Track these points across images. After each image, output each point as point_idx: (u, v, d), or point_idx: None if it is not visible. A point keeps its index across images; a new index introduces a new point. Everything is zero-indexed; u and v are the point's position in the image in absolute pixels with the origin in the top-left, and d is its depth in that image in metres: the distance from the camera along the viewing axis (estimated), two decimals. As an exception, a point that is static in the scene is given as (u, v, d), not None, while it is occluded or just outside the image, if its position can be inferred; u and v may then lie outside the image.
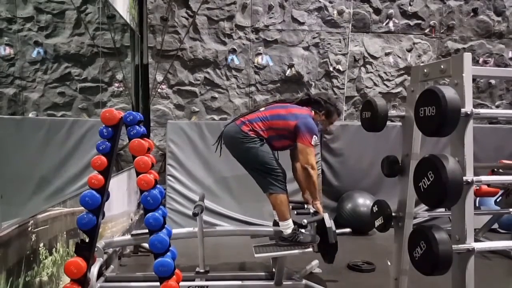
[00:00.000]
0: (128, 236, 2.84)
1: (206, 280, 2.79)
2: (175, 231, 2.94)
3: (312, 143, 2.66)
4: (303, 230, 2.69)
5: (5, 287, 1.74)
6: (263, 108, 2.84)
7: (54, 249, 2.26)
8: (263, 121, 2.72)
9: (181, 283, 2.09)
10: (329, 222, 2.70)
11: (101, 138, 2.09)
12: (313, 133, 2.67)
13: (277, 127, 2.71)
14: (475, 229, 2.21)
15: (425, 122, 1.42)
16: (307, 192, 2.92)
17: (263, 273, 2.97)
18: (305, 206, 2.95)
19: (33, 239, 2.00)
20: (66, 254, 2.42)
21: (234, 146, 2.76)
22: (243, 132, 2.68)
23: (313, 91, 4.92)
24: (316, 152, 4.51)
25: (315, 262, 3.25)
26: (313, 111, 2.83)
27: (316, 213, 2.80)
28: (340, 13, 4.85)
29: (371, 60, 5.00)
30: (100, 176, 2.04)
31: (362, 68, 5.01)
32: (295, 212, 2.82)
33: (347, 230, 3.05)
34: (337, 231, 2.74)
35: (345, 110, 5.05)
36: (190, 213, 4.15)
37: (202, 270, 2.75)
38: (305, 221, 2.64)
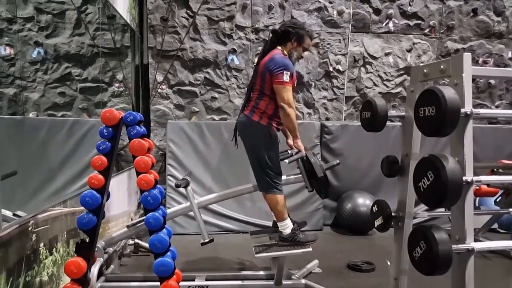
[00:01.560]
0: (125, 229, 2.82)
1: (206, 279, 2.79)
2: (170, 210, 2.95)
3: (284, 79, 2.60)
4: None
5: (6, 287, 1.75)
6: (252, 93, 2.81)
7: (54, 249, 2.26)
8: (263, 97, 2.71)
9: (181, 283, 2.09)
10: (313, 158, 2.71)
11: (102, 138, 2.09)
12: (284, 69, 2.60)
13: (271, 90, 2.68)
14: (475, 229, 2.21)
15: (425, 122, 1.42)
16: (290, 136, 2.87)
17: (263, 273, 2.97)
18: (289, 151, 2.90)
19: (33, 239, 2.00)
20: (67, 254, 2.42)
21: (246, 138, 2.77)
22: (255, 122, 2.69)
23: (313, 91, 4.93)
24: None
25: (315, 262, 3.25)
26: (281, 47, 2.77)
27: (298, 152, 2.76)
28: (340, 13, 4.86)
29: (371, 60, 5.01)
30: (101, 176, 2.04)
31: (362, 68, 5.02)
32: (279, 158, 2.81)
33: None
34: (325, 165, 2.76)
35: (345, 110, 5.05)
36: (190, 213, 4.17)
37: (206, 240, 2.73)
38: (287, 161, 2.61)
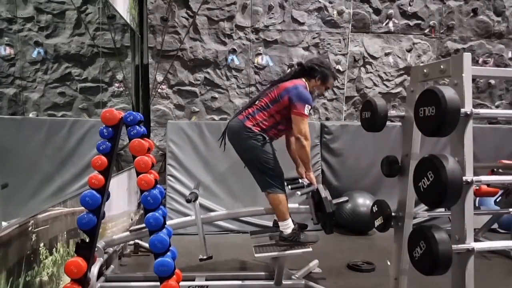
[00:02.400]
0: (127, 233, 2.83)
1: (206, 279, 2.79)
2: (173, 221, 2.95)
3: (305, 112, 2.63)
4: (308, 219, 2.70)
5: (6, 287, 1.75)
6: (257, 101, 2.81)
7: (54, 249, 2.26)
8: (263, 110, 2.72)
9: (181, 283, 2.09)
10: (324, 192, 2.71)
11: (102, 138, 2.09)
12: (306, 102, 2.64)
13: (277, 111, 2.70)
14: (475, 229, 2.21)
15: (425, 122, 1.42)
16: (301, 165, 2.90)
17: (263, 273, 2.97)
18: (299, 180, 2.93)
19: (33, 239, 2.00)
20: (67, 254, 2.42)
21: (237, 142, 2.77)
22: (247, 127, 2.68)
23: (313, 91, 4.93)
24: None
25: (315, 262, 3.25)
26: (305, 80, 2.80)
27: (310, 184, 2.79)
28: (340, 13, 4.86)
29: (371, 60, 5.01)
30: (101, 176, 2.04)
31: (362, 68, 5.02)
32: (289, 187, 2.81)
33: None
34: (334, 200, 2.75)
35: (345, 110, 5.05)
36: (190, 213, 4.16)
37: (205, 257, 2.74)
38: (299, 193, 2.62)
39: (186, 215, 4.30)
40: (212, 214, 3.09)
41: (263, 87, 4.80)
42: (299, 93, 2.66)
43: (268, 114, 2.71)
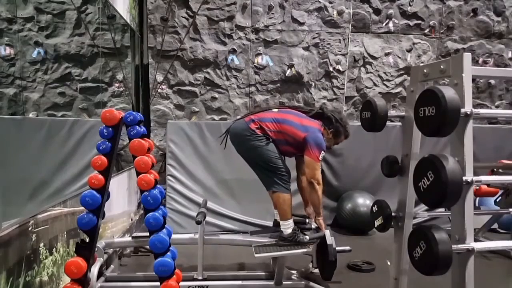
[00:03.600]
0: (128, 238, 2.85)
1: (206, 280, 2.79)
2: (175, 236, 2.95)
3: (320, 157, 2.65)
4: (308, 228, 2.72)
5: (6, 287, 1.75)
6: (276, 110, 2.82)
7: (54, 249, 2.26)
8: (273, 122, 2.70)
9: (181, 283, 2.09)
10: (330, 239, 2.69)
11: (102, 138, 2.09)
12: (322, 149, 2.65)
13: (286, 133, 2.69)
14: (475, 229, 2.21)
15: (425, 122, 1.42)
16: (309, 206, 2.91)
17: (263, 273, 2.97)
18: (307, 220, 2.93)
19: (33, 239, 2.00)
20: (67, 254, 2.42)
21: (240, 143, 2.75)
22: (251, 129, 2.67)
23: (313, 91, 4.93)
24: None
25: (315, 262, 3.25)
26: (323, 126, 2.81)
27: (318, 229, 2.80)
28: (340, 13, 4.86)
29: (371, 60, 5.01)
30: (101, 176, 2.04)
31: (362, 68, 5.01)
32: (297, 227, 2.82)
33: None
34: (337, 248, 2.74)
35: (345, 110, 5.05)
36: (190, 213, 4.17)
37: (200, 278, 2.76)
38: (307, 237, 2.65)
39: (186, 215, 4.31)
40: (220, 237, 3.17)
41: (263, 87, 4.81)
42: (318, 138, 2.66)
43: (277, 128, 2.69)
